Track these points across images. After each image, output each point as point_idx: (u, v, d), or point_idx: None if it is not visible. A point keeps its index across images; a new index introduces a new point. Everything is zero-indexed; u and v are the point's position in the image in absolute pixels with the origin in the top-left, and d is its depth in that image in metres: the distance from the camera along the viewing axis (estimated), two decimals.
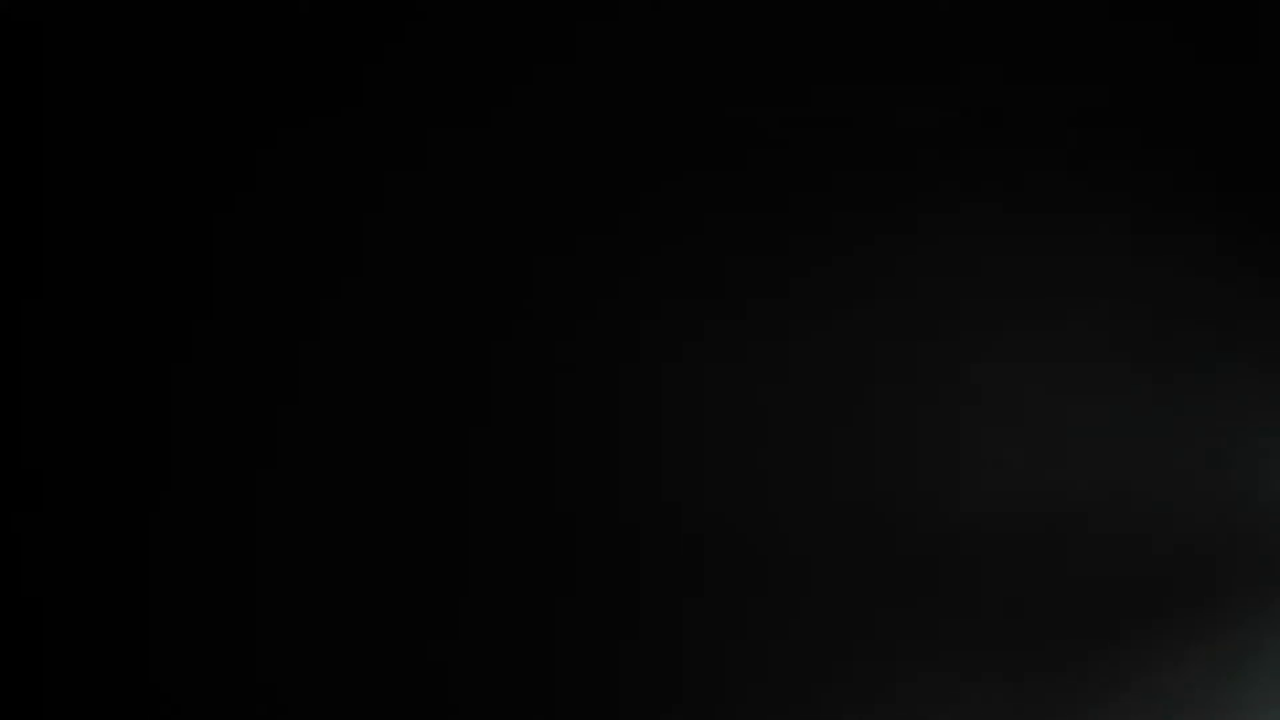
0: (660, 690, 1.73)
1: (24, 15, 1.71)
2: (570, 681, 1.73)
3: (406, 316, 1.75)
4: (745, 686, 1.73)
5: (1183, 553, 1.75)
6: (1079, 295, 1.77)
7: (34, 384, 1.73)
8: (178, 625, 1.71)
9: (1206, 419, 1.77)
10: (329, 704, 1.71)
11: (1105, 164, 1.78)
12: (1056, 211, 1.78)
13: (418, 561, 1.73)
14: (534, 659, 1.73)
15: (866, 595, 1.75)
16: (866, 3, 1.78)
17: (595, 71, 1.77)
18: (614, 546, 1.74)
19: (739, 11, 1.78)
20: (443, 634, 1.73)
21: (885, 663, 1.74)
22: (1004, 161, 1.78)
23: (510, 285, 1.75)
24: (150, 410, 1.73)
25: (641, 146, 1.77)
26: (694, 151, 1.77)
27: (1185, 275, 1.78)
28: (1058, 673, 1.74)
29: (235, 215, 1.74)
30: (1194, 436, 1.76)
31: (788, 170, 1.77)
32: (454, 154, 1.76)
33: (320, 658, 1.71)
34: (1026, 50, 1.78)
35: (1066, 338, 1.77)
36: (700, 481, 1.75)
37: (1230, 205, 1.78)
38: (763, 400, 1.76)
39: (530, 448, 1.74)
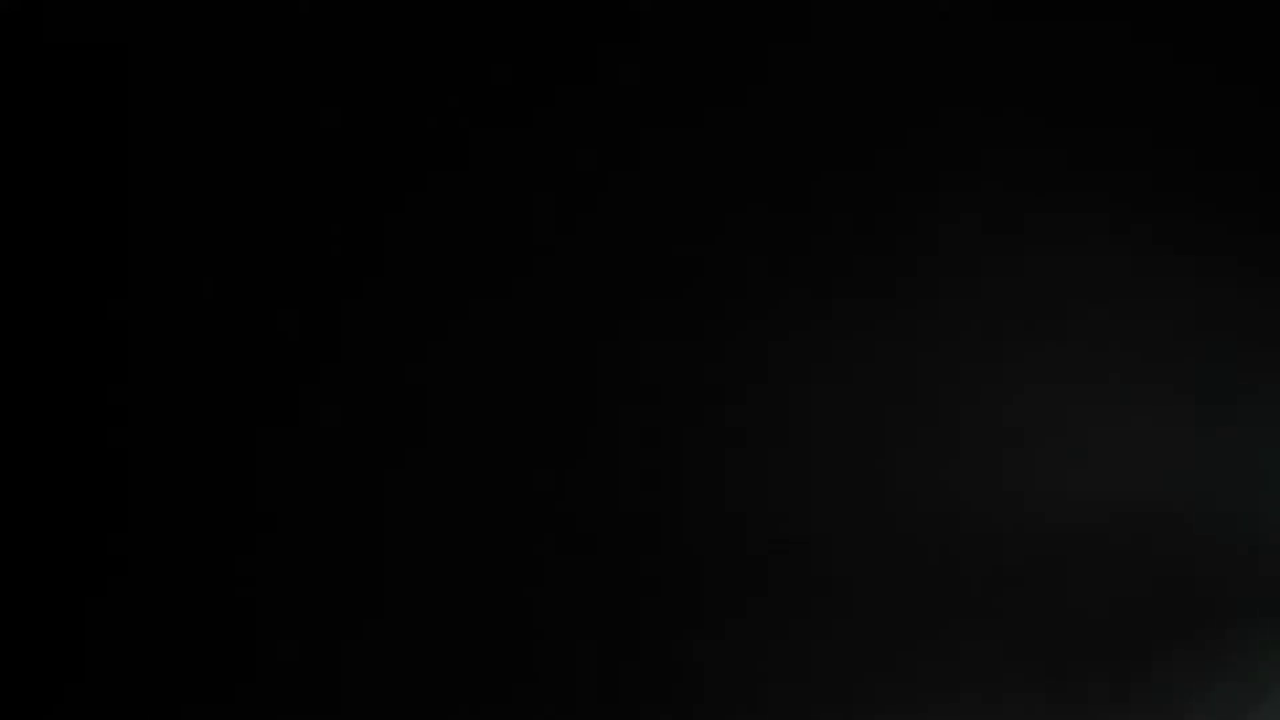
0: (691, 693, 1.74)
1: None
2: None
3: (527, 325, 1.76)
4: (787, 691, 1.73)
5: (1228, 565, 1.75)
6: (1119, 307, 1.77)
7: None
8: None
9: (1251, 429, 1.76)
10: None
11: (1141, 172, 1.78)
12: (1092, 217, 1.78)
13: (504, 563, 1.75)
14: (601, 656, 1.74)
15: (906, 607, 1.74)
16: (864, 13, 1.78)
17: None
18: (678, 555, 1.75)
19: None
20: (522, 628, 1.74)
21: (927, 676, 1.74)
22: (1043, 169, 1.78)
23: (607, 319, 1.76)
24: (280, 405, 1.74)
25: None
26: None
27: (1225, 285, 1.77)
28: (1091, 687, 1.74)
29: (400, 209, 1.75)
30: (1238, 448, 1.75)
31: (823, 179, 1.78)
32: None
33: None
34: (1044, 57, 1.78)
35: (1105, 350, 1.77)
36: (748, 490, 1.75)
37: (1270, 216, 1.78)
38: (805, 411, 1.76)
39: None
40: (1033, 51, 1.78)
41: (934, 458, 1.75)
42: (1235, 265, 1.77)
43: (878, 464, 1.75)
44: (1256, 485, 1.75)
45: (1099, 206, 1.77)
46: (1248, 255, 1.77)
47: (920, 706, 1.73)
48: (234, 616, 1.73)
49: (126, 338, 1.75)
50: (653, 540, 1.74)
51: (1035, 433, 1.76)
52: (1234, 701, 1.73)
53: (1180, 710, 1.73)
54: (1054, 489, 1.75)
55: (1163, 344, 1.77)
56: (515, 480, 1.74)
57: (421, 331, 1.76)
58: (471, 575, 1.74)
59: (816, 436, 1.75)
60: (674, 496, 1.74)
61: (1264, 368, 1.76)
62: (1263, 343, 1.77)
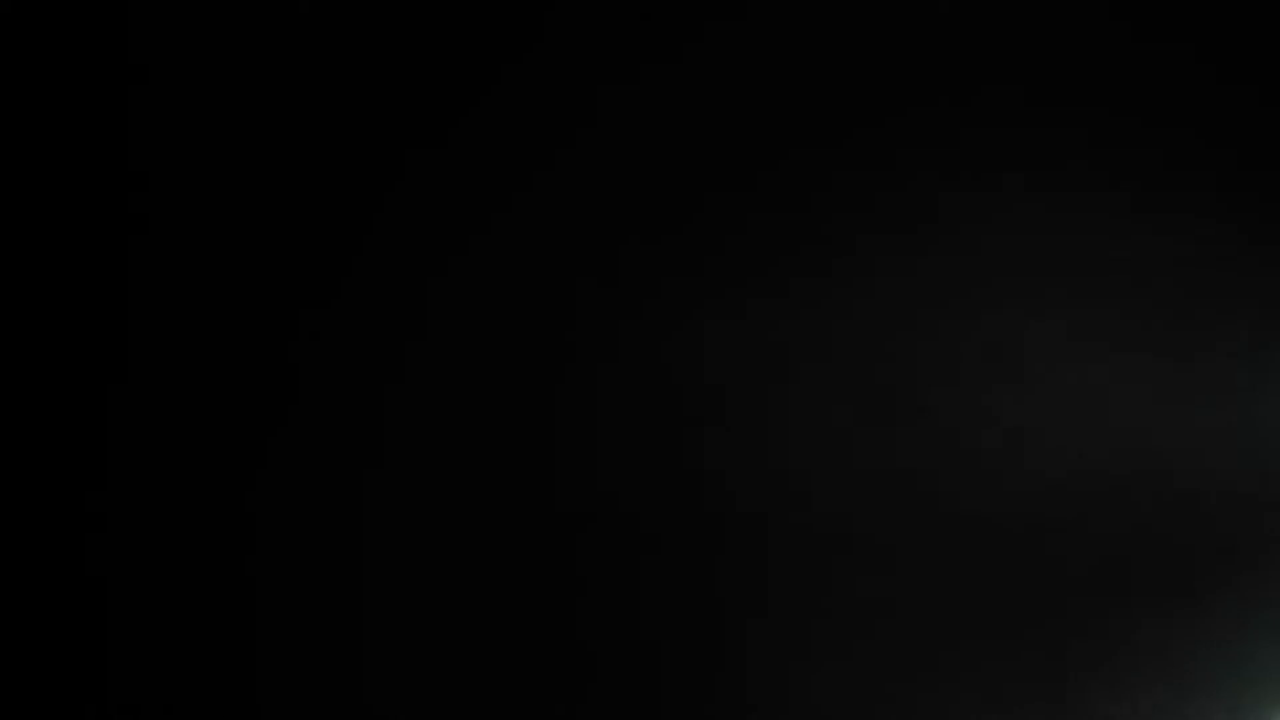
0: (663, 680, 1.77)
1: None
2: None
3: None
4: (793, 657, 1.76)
5: (1217, 531, 1.76)
6: (1105, 270, 1.78)
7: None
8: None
9: (1237, 397, 1.77)
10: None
11: (1127, 150, 1.78)
12: (1079, 192, 1.78)
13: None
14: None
15: (897, 568, 1.77)
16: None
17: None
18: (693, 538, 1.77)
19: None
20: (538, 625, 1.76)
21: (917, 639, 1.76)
22: (1029, 144, 1.78)
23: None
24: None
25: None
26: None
27: (1210, 250, 1.78)
28: (1058, 651, 1.76)
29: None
30: (1223, 416, 1.76)
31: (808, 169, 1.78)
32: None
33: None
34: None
35: (1092, 315, 1.78)
36: (742, 461, 1.77)
37: (1251, 187, 1.78)
38: (792, 380, 1.77)
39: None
40: (1027, 30, 1.77)
41: (923, 422, 1.76)
42: (1218, 231, 1.77)
43: (871, 430, 1.76)
44: (1237, 444, 1.76)
45: (1085, 175, 1.78)
46: (1231, 222, 1.77)
47: (931, 677, 1.75)
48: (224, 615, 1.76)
49: (123, 339, 1.76)
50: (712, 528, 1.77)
51: (1022, 392, 1.77)
52: (1215, 660, 1.74)
53: (1160, 665, 1.74)
54: (1041, 448, 1.76)
55: (1148, 305, 1.77)
56: (526, 478, 1.78)
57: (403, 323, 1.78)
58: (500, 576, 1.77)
59: (803, 408, 1.77)
60: (691, 487, 1.77)
61: (1247, 327, 1.77)
62: (1245, 304, 1.77)
